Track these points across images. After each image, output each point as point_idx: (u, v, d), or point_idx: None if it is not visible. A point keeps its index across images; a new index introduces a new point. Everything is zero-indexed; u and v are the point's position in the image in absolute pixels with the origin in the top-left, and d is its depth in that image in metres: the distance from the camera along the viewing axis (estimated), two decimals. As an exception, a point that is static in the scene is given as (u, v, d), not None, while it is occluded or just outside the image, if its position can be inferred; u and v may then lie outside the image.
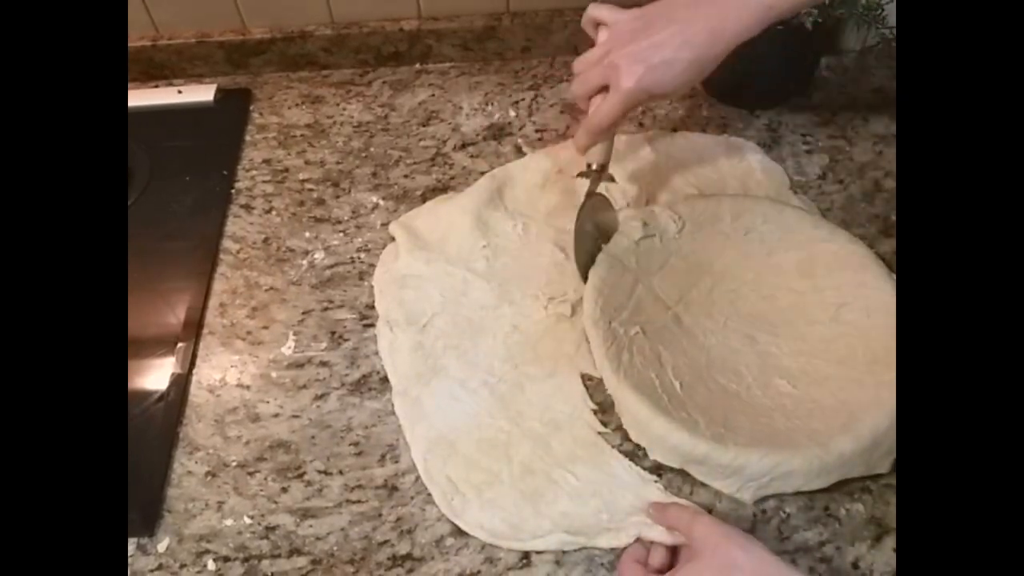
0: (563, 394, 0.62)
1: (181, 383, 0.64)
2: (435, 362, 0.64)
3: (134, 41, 0.86)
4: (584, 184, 0.66)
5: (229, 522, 0.57)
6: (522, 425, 0.60)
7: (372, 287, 0.70)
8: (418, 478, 0.59)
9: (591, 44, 0.63)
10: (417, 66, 0.89)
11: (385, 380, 0.64)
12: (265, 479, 0.59)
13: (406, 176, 0.79)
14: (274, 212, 0.77)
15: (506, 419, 0.60)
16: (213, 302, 0.70)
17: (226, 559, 0.56)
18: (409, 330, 0.66)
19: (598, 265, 0.66)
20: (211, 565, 0.55)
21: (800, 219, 0.68)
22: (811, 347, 0.62)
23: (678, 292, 0.66)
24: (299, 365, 0.66)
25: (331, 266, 0.72)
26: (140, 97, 0.86)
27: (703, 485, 0.57)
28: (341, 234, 0.74)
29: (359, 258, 0.73)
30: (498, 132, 0.82)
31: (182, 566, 0.55)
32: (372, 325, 0.68)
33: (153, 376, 0.65)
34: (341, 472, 0.59)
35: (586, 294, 0.64)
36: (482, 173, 0.77)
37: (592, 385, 0.62)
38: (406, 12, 0.86)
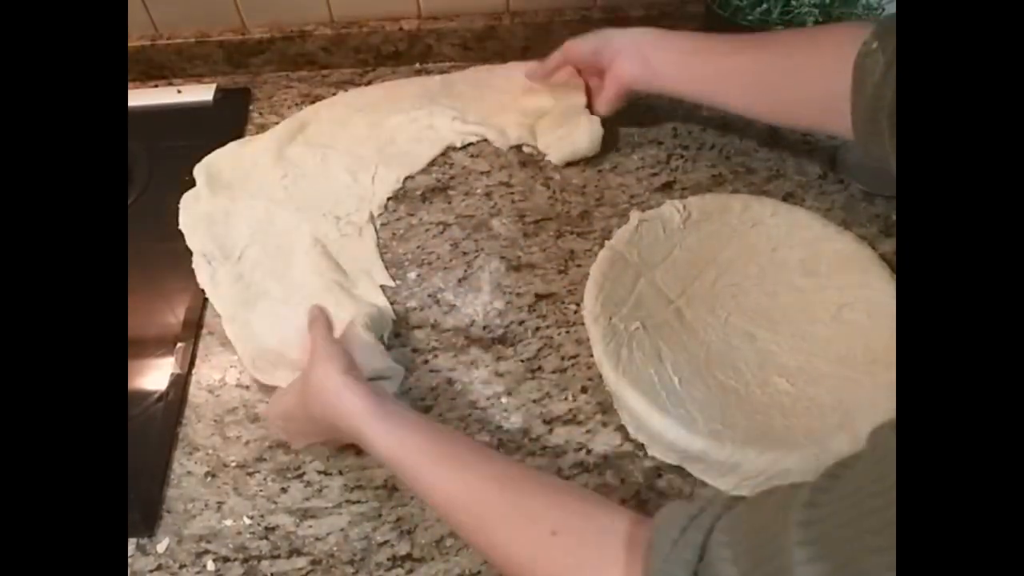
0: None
1: (180, 383, 0.64)
2: (256, 288, 0.68)
3: (134, 41, 0.86)
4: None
5: (229, 522, 0.57)
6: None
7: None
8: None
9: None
10: (417, 66, 0.89)
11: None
12: (265, 479, 0.59)
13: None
14: (274, 212, 0.76)
15: None
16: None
17: (226, 559, 0.56)
18: (226, 263, 0.70)
19: (599, 260, 0.66)
20: (211, 565, 0.55)
21: (810, 217, 0.69)
22: (810, 346, 0.62)
23: (680, 284, 0.66)
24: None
25: (331, 266, 0.72)
26: (139, 97, 0.86)
27: (703, 484, 0.57)
28: (341, 234, 0.74)
29: (359, 258, 0.72)
30: (498, 132, 0.82)
31: (182, 566, 0.55)
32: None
33: (153, 376, 0.65)
34: (341, 472, 0.59)
35: (587, 289, 0.64)
36: (482, 173, 0.77)
37: (592, 385, 0.62)
38: (406, 11, 0.86)
